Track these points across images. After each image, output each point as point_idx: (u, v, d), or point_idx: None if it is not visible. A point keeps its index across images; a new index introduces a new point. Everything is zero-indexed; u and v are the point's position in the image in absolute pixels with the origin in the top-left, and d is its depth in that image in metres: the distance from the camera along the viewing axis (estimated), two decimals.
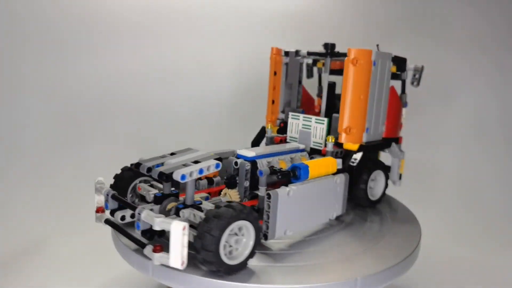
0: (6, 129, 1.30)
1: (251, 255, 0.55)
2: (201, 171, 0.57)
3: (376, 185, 0.80)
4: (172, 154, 0.63)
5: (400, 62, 0.83)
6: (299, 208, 0.62)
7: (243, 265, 0.54)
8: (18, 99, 1.31)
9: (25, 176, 1.26)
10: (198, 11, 1.34)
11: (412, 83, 0.85)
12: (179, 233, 0.48)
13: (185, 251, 0.49)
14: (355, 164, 0.74)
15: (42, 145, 1.31)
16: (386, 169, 0.81)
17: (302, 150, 0.77)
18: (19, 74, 1.30)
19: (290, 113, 0.84)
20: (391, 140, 0.82)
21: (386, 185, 0.82)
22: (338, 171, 0.70)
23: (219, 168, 0.60)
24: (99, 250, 0.92)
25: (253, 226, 0.54)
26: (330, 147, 0.75)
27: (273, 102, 0.88)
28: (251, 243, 0.54)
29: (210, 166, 0.59)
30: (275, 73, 0.87)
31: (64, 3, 1.30)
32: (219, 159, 0.61)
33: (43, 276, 0.87)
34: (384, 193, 0.81)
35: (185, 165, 0.58)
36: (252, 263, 0.57)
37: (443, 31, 1.41)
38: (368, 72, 0.73)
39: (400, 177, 0.87)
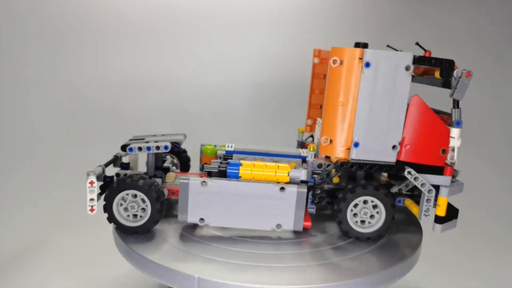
0: (6, 129, 1.30)
1: (149, 223, 0.63)
2: (148, 148, 0.69)
3: (375, 215, 0.64)
4: (163, 135, 0.77)
5: (444, 66, 0.61)
6: (221, 203, 0.63)
7: (143, 229, 0.63)
8: (19, 99, 1.31)
9: (25, 175, 1.25)
10: (207, 9, 1.37)
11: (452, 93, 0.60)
12: (87, 186, 0.64)
13: (93, 201, 0.64)
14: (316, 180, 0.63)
15: (42, 145, 1.31)
16: (387, 199, 0.63)
17: (302, 157, 0.72)
18: (20, 74, 1.30)
19: (318, 119, 0.78)
20: (410, 165, 0.63)
21: (390, 219, 0.63)
22: (298, 183, 0.63)
23: (167, 150, 0.69)
24: (99, 249, 0.93)
25: (148, 199, 0.62)
26: (309, 156, 0.67)
27: (320, 106, 0.83)
28: (148, 212, 0.63)
29: (160, 147, 0.69)
30: (324, 76, 0.82)
31: (65, 3, 1.31)
32: (175, 143, 0.70)
33: (43, 276, 0.87)
34: (385, 228, 0.64)
35: (147, 142, 0.71)
36: (158, 238, 0.64)
37: (445, 30, 1.40)
38: (354, 74, 0.61)
39: (438, 220, 0.64)
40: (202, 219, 0.64)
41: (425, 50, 0.67)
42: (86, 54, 1.36)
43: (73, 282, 0.85)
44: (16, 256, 0.93)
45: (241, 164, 0.63)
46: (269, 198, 0.63)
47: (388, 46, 0.77)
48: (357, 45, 0.65)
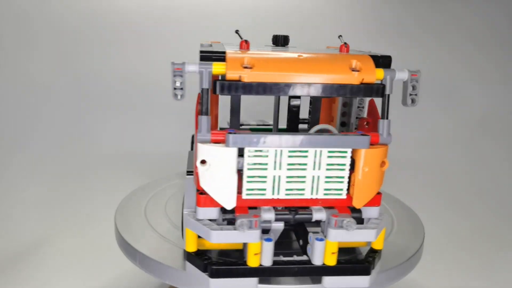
0: (6, 128, 1.28)
1: None
2: None
3: None
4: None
5: None
6: None
7: None
8: (21, 97, 1.30)
9: (26, 174, 1.24)
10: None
11: None
12: None
13: None
14: None
15: (42, 143, 1.29)
16: None
17: None
18: (24, 72, 1.29)
19: None
20: None
21: None
22: None
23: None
24: (100, 248, 0.91)
25: None
26: None
27: None
28: None
29: None
30: None
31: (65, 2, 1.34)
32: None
33: (44, 275, 0.85)
34: None
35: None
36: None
37: (446, 29, 1.49)
38: None
39: None
40: None
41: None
42: (89, 53, 1.38)
43: (74, 281, 0.84)
44: (17, 255, 0.92)
45: None
46: None
47: (340, 37, 0.52)
48: (276, 38, 0.59)
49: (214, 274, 0.47)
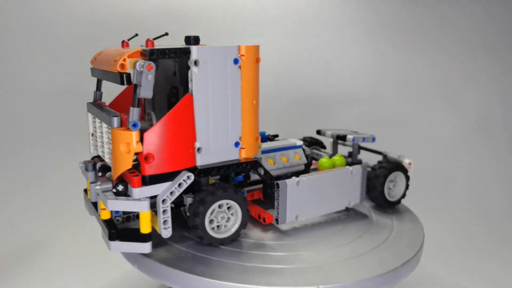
0: (5, 128, 1.29)
1: None
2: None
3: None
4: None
5: None
6: None
7: None
8: (20, 97, 1.31)
9: (25, 175, 1.24)
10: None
11: None
12: None
13: None
14: None
15: (42, 143, 1.31)
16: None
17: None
18: (21, 73, 1.31)
19: None
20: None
21: None
22: None
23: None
24: (99, 250, 0.84)
25: None
26: None
27: None
28: None
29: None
30: None
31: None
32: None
33: (43, 277, 0.86)
34: None
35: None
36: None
37: (446, 30, 1.44)
38: None
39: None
40: None
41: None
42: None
43: (75, 282, 0.84)
44: (17, 256, 0.92)
45: None
46: None
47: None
48: (188, 39, 0.67)
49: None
